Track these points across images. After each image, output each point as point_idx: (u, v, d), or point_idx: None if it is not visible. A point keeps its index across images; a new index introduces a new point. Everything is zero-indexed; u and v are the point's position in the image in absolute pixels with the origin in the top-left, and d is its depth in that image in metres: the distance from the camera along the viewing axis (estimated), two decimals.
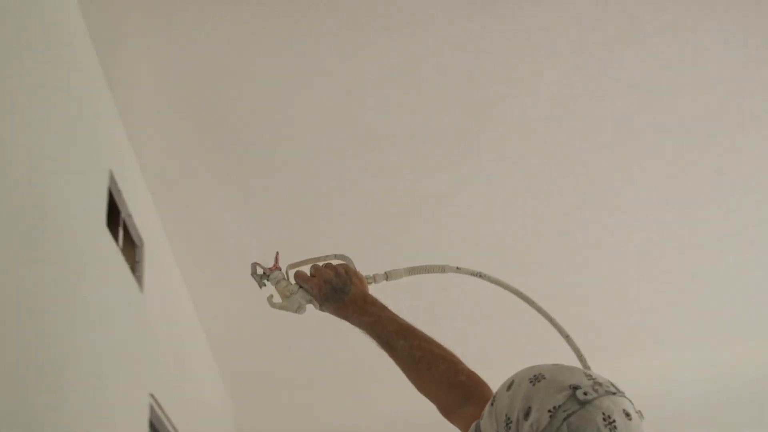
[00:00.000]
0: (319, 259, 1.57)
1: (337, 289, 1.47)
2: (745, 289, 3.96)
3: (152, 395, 2.48)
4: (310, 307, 1.50)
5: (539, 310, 1.48)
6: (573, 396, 1.00)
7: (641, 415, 1.04)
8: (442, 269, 1.55)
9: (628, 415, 1.00)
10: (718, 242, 3.54)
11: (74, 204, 1.84)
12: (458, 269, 1.54)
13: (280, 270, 1.55)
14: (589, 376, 1.04)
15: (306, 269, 1.54)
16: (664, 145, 2.87)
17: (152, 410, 2.50)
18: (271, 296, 1.53)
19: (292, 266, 1.57)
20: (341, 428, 4.44)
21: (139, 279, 2.51)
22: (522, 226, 3.27)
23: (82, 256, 1.85)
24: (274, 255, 1.59)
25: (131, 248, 2.52)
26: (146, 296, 2.55)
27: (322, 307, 1.50)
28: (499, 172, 2.92)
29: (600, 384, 1.03)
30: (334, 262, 1.55)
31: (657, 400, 3.66)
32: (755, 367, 4.58)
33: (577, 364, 1.36)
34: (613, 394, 1.02)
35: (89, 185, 2.00)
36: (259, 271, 1.55)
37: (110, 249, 2.16)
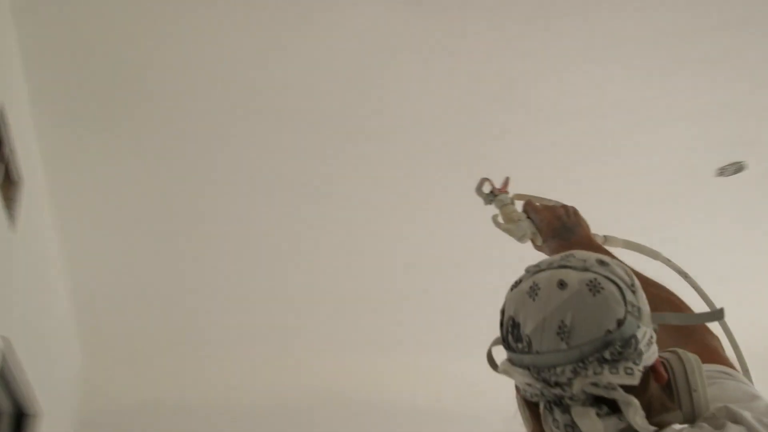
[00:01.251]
0: (545, 200, 1.56)
1: (566, 227, 1.44)
2: None
3: (4, 338, 2.40)
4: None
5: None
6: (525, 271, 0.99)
7: (598, 287, 0.91)
8: (655, 255, 1.51)
9: (562, 284, 0.92)
10: None
11: None
12: (668, 261, 1.51)
13: (508, 194, 1.56)
14: (569, 255, 0.97)
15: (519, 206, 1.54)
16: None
17: (2, 354, 2.42)
18: (497, 216, 1.54)
19: (518, 196, 1.57)
20: (190, 397, 4.41)
21: (12, 217, 2.42)
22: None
23: None
24: (504, 179, 1.59)
25: (9, 185, 2.43)
26: (18, 235, 2.47)
27: (544, 242, 1.46)
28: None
29: (563, 257, 0.97)
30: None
31: None
32: None
33: None
34: (565, 267, 0.95)
35: None
36: (487, 189, 1.56)
37: None
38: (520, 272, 0.99)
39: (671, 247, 4.13)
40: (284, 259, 3.51)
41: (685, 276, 1.49)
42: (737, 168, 3.05)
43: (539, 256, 1.13)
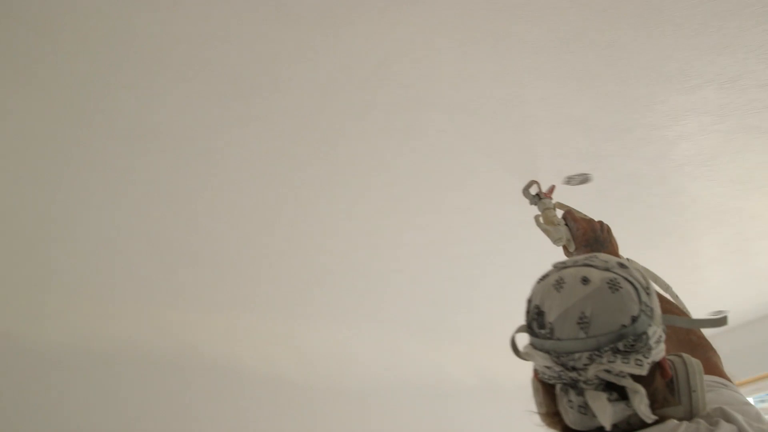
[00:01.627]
0: (583, 214, 1.72)
1: (598, 241, 1.57)
2: None
3: None
4: None
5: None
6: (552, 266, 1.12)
7: (617, 286, 1.02)
8: (666, 288, 1.58)
9: (585, 280, 1.03)
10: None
11: None
12: (676, 297, 1.58)
13: (551, 200, 1.74)
14: (592, 257, 1.08)
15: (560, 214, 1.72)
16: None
17: None
18: (539, 216, 1.71)
19: (560, 205, 1.75)
20: None
21: None
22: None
23: None
24: (550, 186, 1.78)
25: None
26: None
27: (576, 250, 1.58)
28: None
29: (587, 258, 1.08)
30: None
31: None
32: None
33: None
34: (589, 266, 1.06)
35: None
36: (534, 191, 1.73)
37: None
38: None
39: (514, 248, 4.28)
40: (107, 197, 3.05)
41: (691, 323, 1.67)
42: (583, 179, 3.24)
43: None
